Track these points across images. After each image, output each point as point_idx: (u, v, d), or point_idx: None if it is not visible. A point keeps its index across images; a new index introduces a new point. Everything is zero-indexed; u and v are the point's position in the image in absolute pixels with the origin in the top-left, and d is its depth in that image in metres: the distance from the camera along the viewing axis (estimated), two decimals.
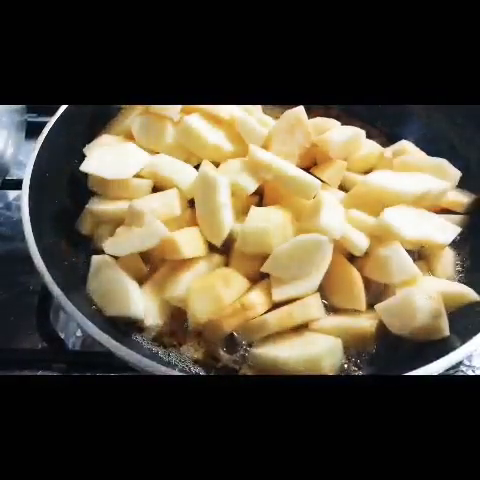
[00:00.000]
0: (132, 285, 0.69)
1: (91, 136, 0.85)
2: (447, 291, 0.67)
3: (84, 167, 0.75)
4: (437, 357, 0.56)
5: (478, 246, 0.78)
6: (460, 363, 0.77)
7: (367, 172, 0.84)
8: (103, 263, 0.70)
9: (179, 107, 0.81)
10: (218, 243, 0.71)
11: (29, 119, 0.98)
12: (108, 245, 0.69)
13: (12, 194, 1.06)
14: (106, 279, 0.69)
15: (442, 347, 0.61)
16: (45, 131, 0.78)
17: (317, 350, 0.63)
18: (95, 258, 0.71)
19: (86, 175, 0.79)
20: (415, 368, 0.55)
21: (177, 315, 0.71)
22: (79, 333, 0.82)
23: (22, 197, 0.71)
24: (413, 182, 0.74)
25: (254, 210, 0.70)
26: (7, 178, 0.93)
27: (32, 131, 0.95)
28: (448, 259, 0.76)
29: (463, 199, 0.81)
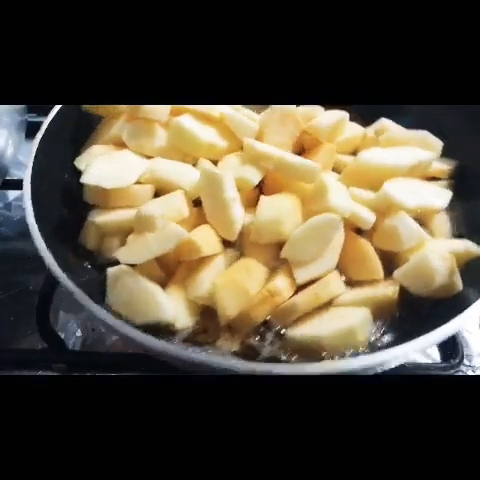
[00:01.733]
0: (157, 290, 0.67)
1: (76, 150, 0.84)
2: (453, 249, 0.70)
3: (85, 179, 0.73)
4: (458, 311, 0.59)
5: (465, 209, 0.81)
6: (460, 363, 0.77)
7: (353, 153, 0.87)
8: (121, 273, 0.68)
9: (167, 109, 0.81)
10: (232, 238, 0.71)
11: (29, 119, 0.98)
12: (122, 255, 0.68)
13: (12, 194, 1.06)
14: (128, 288, 0.67)
15: (459, 302, 0.64)
16: (33, 150, 0.76)
17: (350, 322, 0.64)
18: (111, 270, 0.68)
19: (80, 189, 0.77)
20: (440, 325, 0.57)
21: (205, 312, 0.71)
22: (79, 333, 0.82)
23: (27, 214, 0.69)
24: (403, 155, 0.78)
25: (263, 200, 0.71)
26: (7, 178, 0.93)
27: (32, 131, 0.96)
28: (444, 222, 0.80)
29: (445, 167, 0.85)
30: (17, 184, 1.01)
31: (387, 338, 0.68)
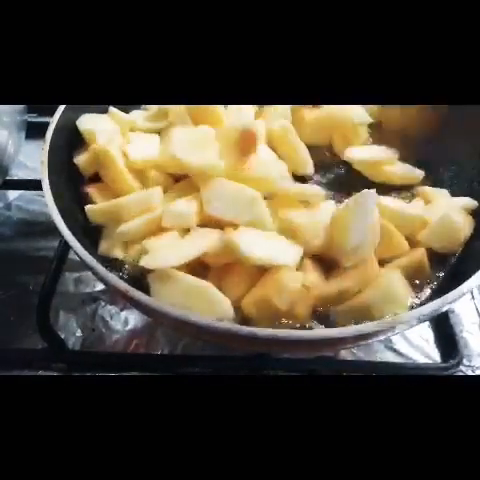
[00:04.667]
0: (211, 286, 0.64)
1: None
2: (460, 204, 0.75)
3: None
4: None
5: None
6: (460, 363, 0.77)
7: None
8: (166, 276, 0.64)
9: None
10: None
11: (29, 119, 0.98)
12: (150, 260, 0.65)
13: (12, 194, 1.06)
14: (178, 290, 0.64)
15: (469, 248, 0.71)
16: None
17: (391, 285, 0.65)
18: (154, 275, 0.65)
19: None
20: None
21: None
22: (79, 333, 0.82)
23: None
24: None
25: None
26: (7, 178, 0.93)
27: (32, 131, 0.96)
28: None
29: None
30: (17, 184, 1.02)
31: (424, 297, 0.69)
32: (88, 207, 0.75)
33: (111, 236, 0.74)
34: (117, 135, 0.81)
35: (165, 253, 0.66)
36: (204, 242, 0.66)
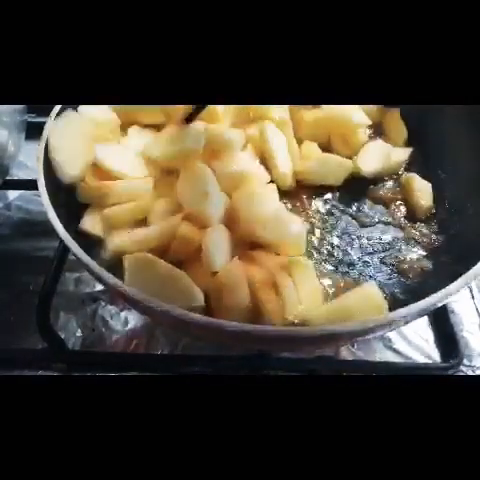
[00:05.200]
0: (184, 275, 0.66)
1: None
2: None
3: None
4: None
5: None
6: (460, 363, 0.77)
7: None
8: (143, 260, 0.66)
9: None
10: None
11: (29, 119, 0.98)
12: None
13: (12, 194, 1.06)
14: (152, 275, 0.65)
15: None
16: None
17: (369, 286, 0.66)
18: (130, 257, 0.66)
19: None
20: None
21: None
22: (79, 333, 0.82)
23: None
24: None
25: None
26: (7, 178, 0.93)
27: (32, 131, 0.96)
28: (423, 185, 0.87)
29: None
30: (17, 184, 1.01)
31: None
32: (80, 184, 0.76)
33: (95, 215, 0.76)
34: (117, 127, 0.85)
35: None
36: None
